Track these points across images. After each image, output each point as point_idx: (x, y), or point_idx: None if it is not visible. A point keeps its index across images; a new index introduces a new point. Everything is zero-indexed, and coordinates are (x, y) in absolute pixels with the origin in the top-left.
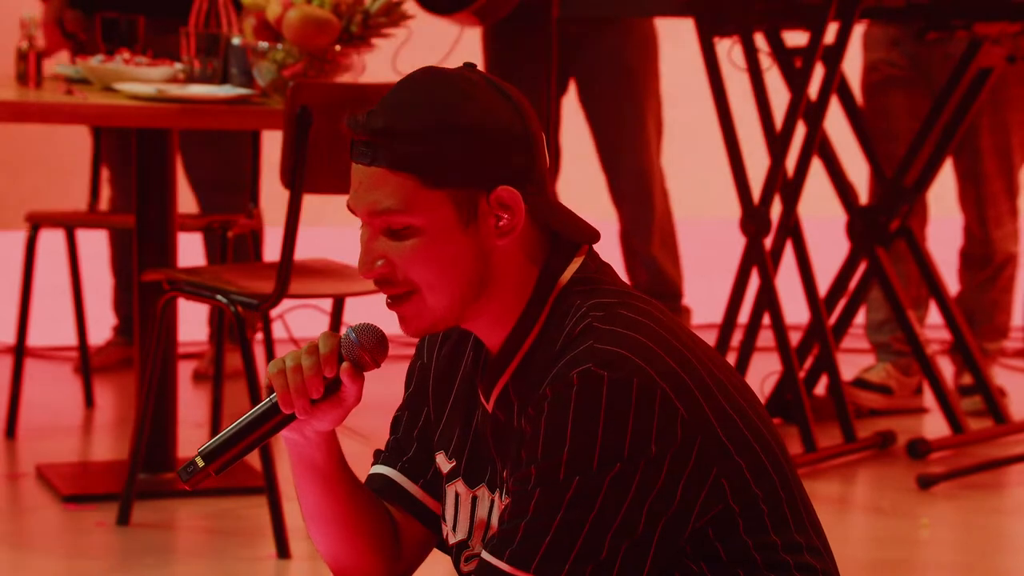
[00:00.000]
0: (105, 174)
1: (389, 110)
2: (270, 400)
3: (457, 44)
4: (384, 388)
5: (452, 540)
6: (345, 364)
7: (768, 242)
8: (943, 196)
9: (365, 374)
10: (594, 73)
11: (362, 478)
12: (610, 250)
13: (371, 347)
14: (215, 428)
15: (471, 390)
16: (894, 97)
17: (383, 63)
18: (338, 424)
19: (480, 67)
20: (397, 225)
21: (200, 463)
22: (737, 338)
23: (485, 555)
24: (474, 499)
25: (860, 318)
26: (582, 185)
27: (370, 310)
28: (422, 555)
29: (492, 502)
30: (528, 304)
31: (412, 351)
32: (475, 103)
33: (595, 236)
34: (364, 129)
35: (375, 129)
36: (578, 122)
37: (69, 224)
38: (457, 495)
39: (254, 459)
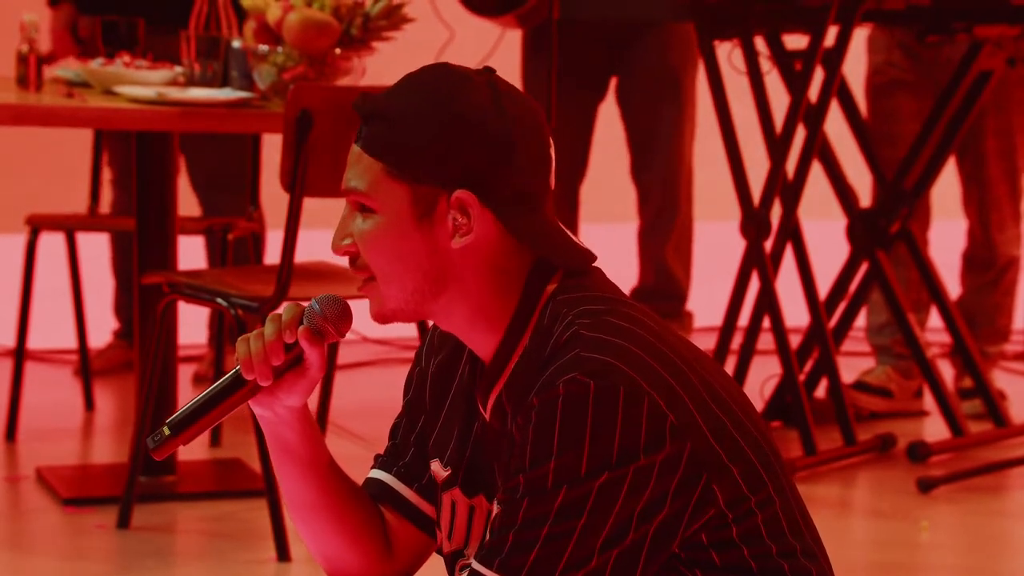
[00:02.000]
0: (108, 176)
1: (383, 96)
2: (236, 371)
3: (498, 46)
4: (382, 393)
5: (447, 548)
6: (303, 328)
7: (768, 245)
8: (947, 199)
9: (371, 384)
10: (637, 73)
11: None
12: (626, 250)
13: (333, 317)
14: (214, 430)
15: (469, 399)
16: (899, 100)
17: (383, 66)
18: (306, 397)
19: (518, 71)
20: (363, 206)
21: (167, 432)
22: (737, 341)
23: (475, 564)
24: (471, 508)
25: (860, 321)
26: (605, 188)
27: (366, 311)
28: (419, 560)
29: (489, 512)
30: (515, 313)
31: (412, 357)
32: (456, 103)
33: (587, 259)
34: (358, 109)
35: (364, 111)
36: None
37: (69, 227)
38: (453, 503)
39: (254, 462)
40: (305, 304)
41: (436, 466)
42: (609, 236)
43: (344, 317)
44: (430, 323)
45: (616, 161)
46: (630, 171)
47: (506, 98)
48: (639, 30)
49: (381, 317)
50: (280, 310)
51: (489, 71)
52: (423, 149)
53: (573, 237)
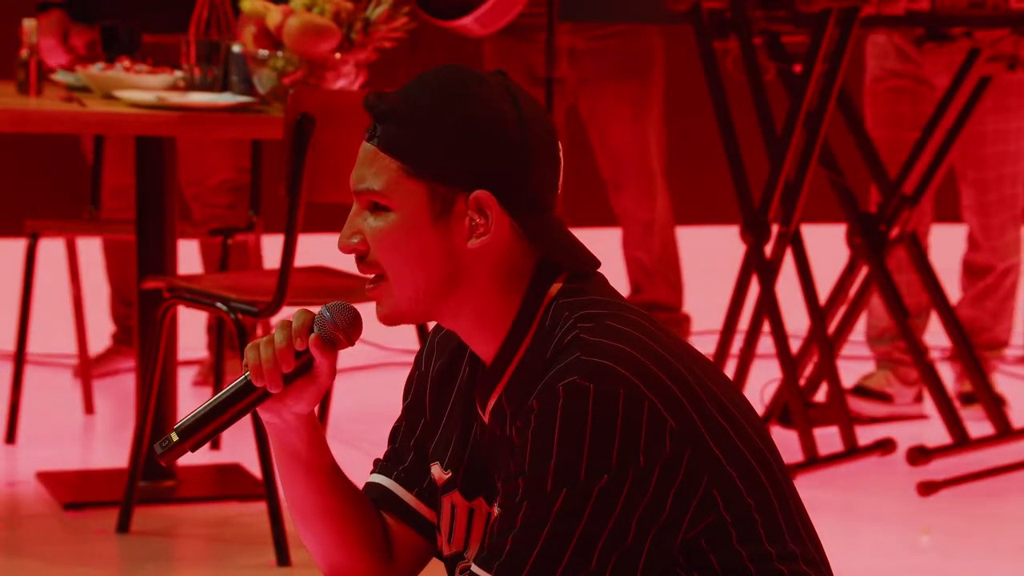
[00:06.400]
0: (113, 181)
1: (398, 95)
2: (245, 377)
3: None
4: (379, 397)
5: (447, 551)
6: (314, 336)
7: (768, 249)
8: (948, 204)
9: (369, 388)
10: (598, 83)
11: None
12: (611, 258)
13: (344, 324)
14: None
15: (469, 402)
16: (900, 105)
17: (382, 71)
18: (315, 404)
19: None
20: (376, 204)
21: (175, 438)
22: (737, 345)
23: (474, 568)
24: (471, 511)
25: (860, 325)
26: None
27: (370, 315)
28: (419, 565)
29: (488, 515)
30: (518, 315)
31: (411, 362)
32: (478, 104)
33: (593, 263)
34: (372, 109)
35: (379, 110)
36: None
37: (69, 232)
38: (453, 506)
39: (254, 467)
40: (314, 311)
41: (436, 469)
42: (588, 240)
43: (355, 324)
44: (430, 327)
45: (592, 163)
46: (604, 177)
47: (522, 100)
48: (596, 38)
49: (390, 319)
50: (290, 316)
51: (501, 74)
52: (442, 148)
53: (580, 241)
